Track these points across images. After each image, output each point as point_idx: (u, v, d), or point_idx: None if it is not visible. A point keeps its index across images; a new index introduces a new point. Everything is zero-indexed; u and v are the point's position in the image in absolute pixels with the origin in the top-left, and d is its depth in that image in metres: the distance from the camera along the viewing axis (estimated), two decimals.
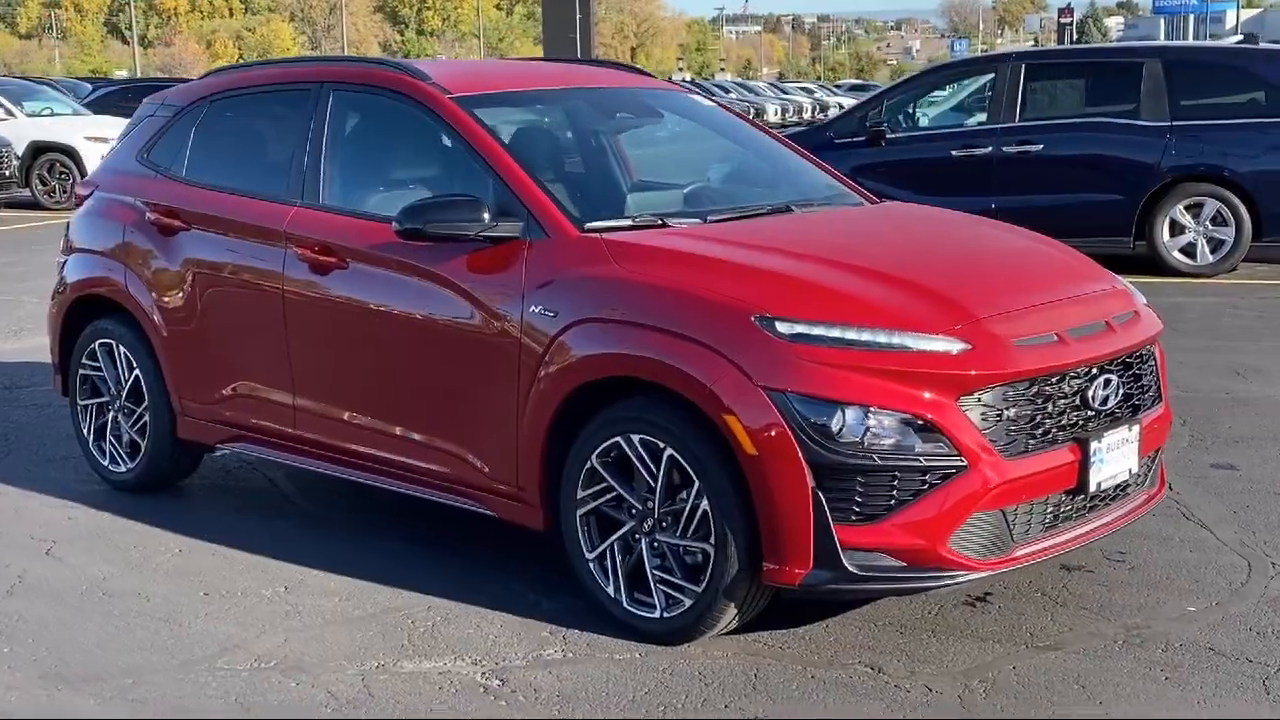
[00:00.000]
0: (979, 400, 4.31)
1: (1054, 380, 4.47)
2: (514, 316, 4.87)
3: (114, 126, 21.47)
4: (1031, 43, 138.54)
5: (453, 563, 5.45)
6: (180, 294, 6.05)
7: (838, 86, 71.96)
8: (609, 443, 4.65)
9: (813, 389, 4.24)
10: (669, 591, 4.58)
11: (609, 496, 4.70)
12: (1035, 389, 4.42)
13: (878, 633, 4.70)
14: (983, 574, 4.38)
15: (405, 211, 5.01)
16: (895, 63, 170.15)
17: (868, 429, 4.22)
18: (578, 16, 34.42)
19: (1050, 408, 4.46)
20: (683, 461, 4.46)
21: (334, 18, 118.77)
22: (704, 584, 4.47)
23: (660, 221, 5.05)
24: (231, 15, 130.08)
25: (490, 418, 5.00)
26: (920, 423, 4.23)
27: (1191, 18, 77.28)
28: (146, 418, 6.32)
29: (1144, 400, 4.86)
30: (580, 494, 4.75)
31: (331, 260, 5.45)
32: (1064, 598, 4.96)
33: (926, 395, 4.25)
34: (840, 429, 4.21)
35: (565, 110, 5.93)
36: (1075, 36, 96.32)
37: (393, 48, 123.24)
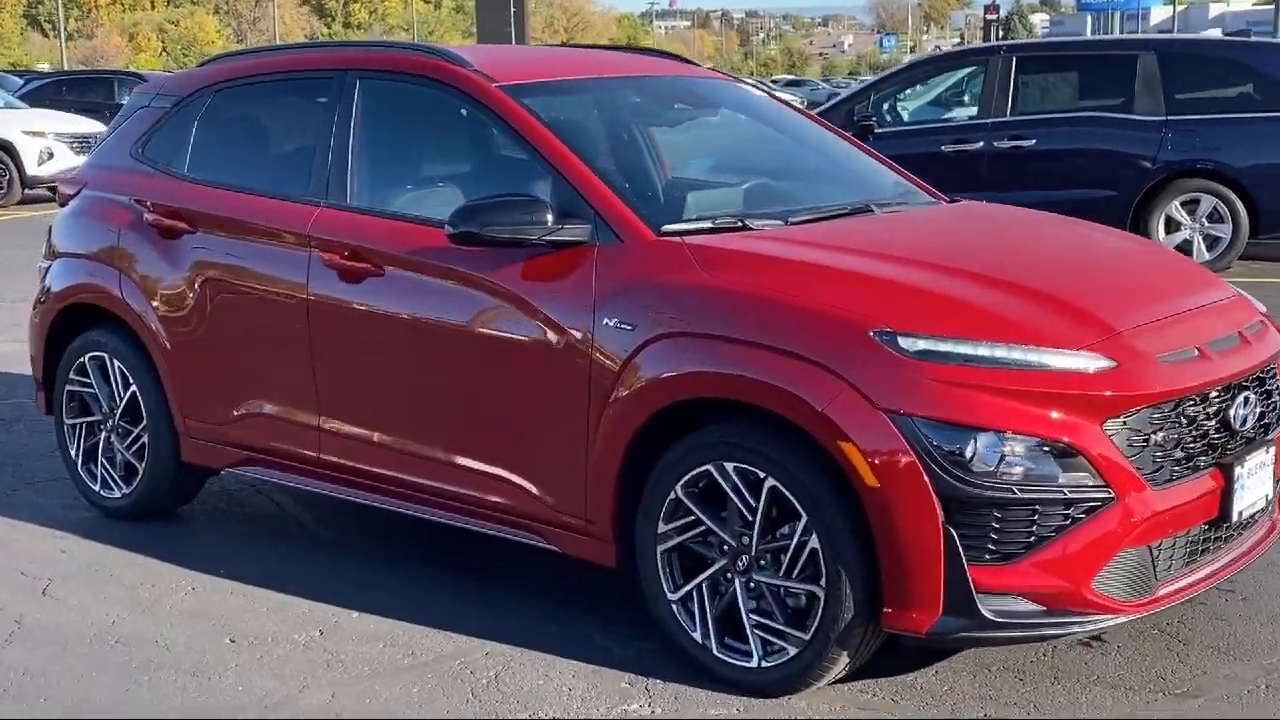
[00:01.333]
0: (1124, 424, 3.86)
1: (1198, 400, 4.03)
2: (583, 330, 4.37)
3: (53, 120, 20.73)
4: (958, 40, 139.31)
5: (496, 597, 4.95)
6: (185, 303, 5.48)
7: (774, 82, 71.66)
8: (697, 471, 4.16)
9: (942, 412, 3.77)
10: (768, 638, 4.10)
11: (696, 531, 4.22)
12: (1180, 410, 3.98)
13: (994, 680, 4.24)
14: (1127, 617, 3.94)
15: (459, 213, 4.49)
16: (828, 58, 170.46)
17: (1003, 457, 3.76)
18: (512, 9, 33.90)
19: (1194, 430, 4.03)
20: (787, 493, 3.98)
21: (260, 10, 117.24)
22: (812, 630, 3.99)
23: (740, 223, 4.56)
24: (153, 7, 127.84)
25: (553, 442, 4.50)
26: (1062, 449, 3.78)
27: (1118, 14, 77.97)
28: (145, 439, 5.75)
29: (1272, 419, 4.44)
30: (661, 528, 4.27)
31: (364, 267, 4.92)
32: (1185, 635, 4.53)
33: (1068, 419, 3.79)
34: (973, 457, 3.75)
35: (620, 101, 5.42)
36: (1001, 34, 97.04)
37: (319, 40, 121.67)
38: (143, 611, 4.92)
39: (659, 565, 4.28)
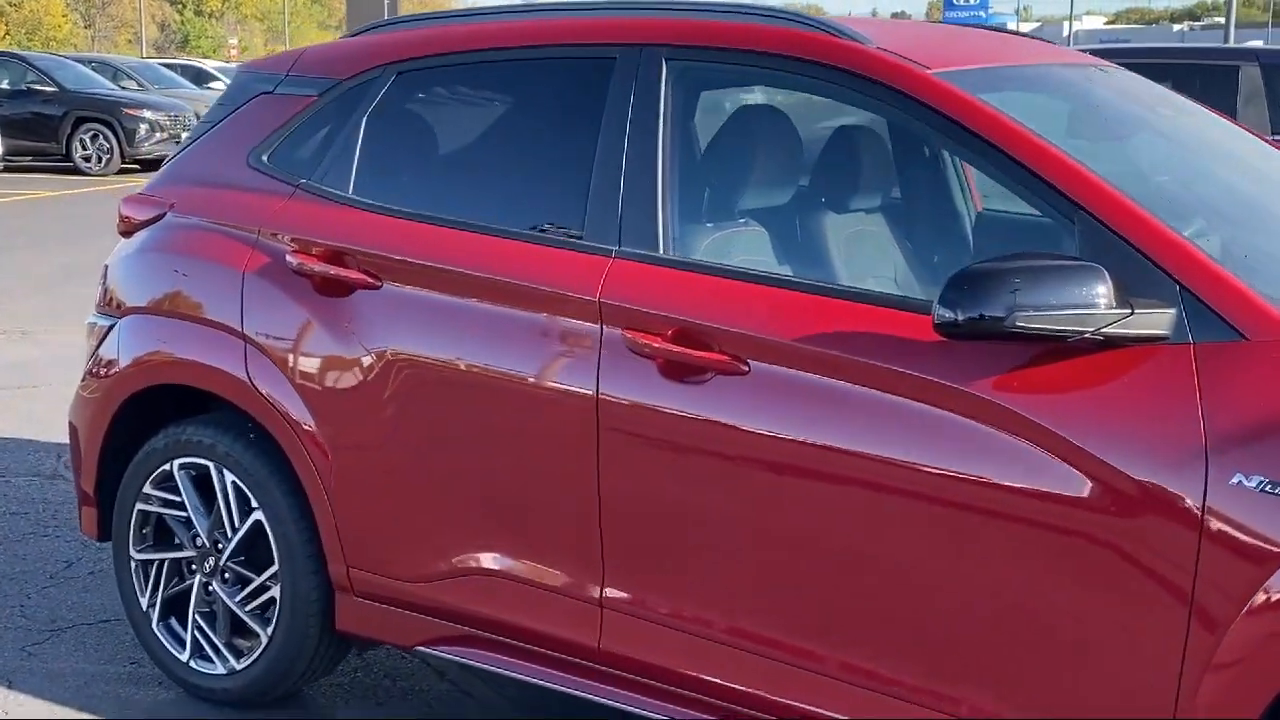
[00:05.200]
0: None
1: None
2: (1182, 490, 2.58)
3: None
4: None
5: None
6: (362, 394, 3.56)
7: None
8: None
9: None
10: None
11: None
12: None
13: None
14: None
15: (963, 288, 2.66)
16: None
17: None
18: (386, 2, 32.61)
19: None
20: None
21: None
22: None
23: None
24: None
25: (1100, 669, 2.71)
26: None
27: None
28: (274, 591, 3.82)
29: None
30: None
31: (708, 358, 3.07)
32: None
33: None
34: None
35: (1095, 106, 3.63)
36: None
37: (171, 28, 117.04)
38: None
39: None
